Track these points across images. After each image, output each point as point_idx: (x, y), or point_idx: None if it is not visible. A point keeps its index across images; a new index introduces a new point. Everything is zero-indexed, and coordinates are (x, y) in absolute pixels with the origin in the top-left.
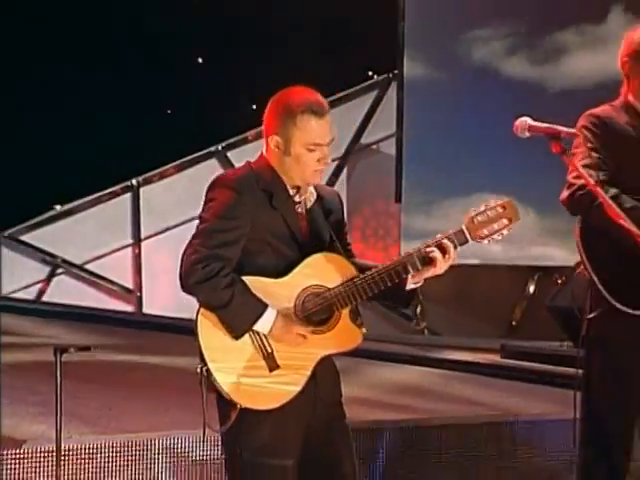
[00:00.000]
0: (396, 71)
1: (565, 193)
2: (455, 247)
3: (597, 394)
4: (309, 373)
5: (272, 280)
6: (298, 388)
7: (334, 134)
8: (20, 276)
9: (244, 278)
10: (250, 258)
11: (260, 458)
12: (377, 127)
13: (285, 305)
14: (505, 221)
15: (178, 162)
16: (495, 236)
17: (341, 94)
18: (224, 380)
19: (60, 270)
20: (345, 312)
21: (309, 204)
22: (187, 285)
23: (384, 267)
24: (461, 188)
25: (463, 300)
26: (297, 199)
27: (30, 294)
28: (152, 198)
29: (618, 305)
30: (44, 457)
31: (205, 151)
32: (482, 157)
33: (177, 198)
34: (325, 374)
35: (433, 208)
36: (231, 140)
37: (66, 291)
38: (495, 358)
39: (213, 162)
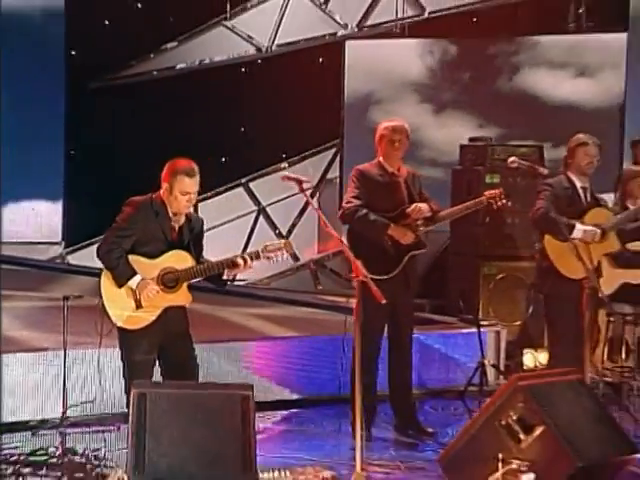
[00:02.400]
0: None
1: (340, 212)
2: (252, 260)
3: (365, 323)
4: (159, 311)
5: (148, 260)
6: (153, 317)
7: (198, 187)
8: None
9: (130, 257)
10: (141, 246)
11: (133, 355)
12: (335, 168)
13: (152, 275)
14: (284, 252)
15: (221, 188)
16: (277, 259)
17: (316, 149)
18: (111, 312)
19: None
20: (185, 284)
21: (181, 223)
22: (98, 254)
23: (210, 264)
24: None
25: None
26: (173, 219)
27: None
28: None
29: (369, 274)
30: (56, 357)
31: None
32: None
33: (213, 214)
34: (174, 313)
35: None
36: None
37: None
38: None
39: (240, 190)
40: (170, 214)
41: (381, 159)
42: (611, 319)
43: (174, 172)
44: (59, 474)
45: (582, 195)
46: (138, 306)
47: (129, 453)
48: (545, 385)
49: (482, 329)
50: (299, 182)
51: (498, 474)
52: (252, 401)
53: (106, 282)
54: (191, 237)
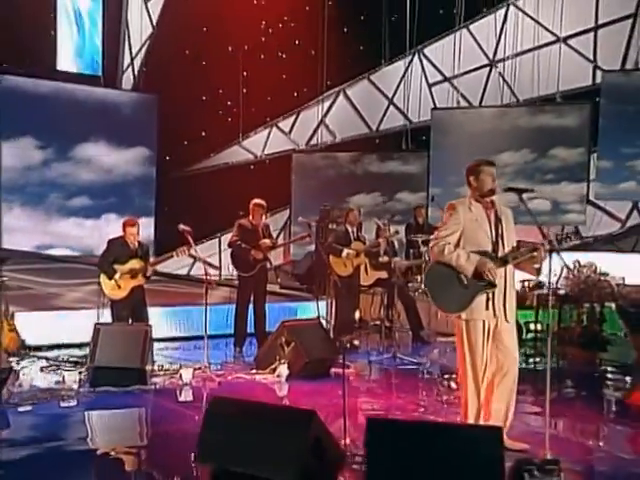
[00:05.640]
0: None
1: (228, 242)
2: (167, 259)
3: (241, 297)
4: (129, 290)
5: (121, 265)
6: (125, 293)
7: (138, 229)
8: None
9: (114, 265)
10: (118, 259)
11: (117, 312)
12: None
13: (125, 272)
14: (185, 252)
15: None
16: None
17: (282, 207)
18: (106, 291)
19: None
20: (140, 274)
21: (136, 246)
22: (97, 265)
23: (150, 263)
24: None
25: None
26: (131, 246)
27: None
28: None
29: (239, 272)
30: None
31: None
32: None
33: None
34: (137, 289)
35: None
36: None
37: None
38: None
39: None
40: (129, 244)
41: (251, 218)
42: (382, 295)
43: (124, 226)
44: (75, 367)
45: (351, 235)
46: (119, 287)
47: (88, 356)
48: (298, 325)
49: (322, 302)
50: (186, 231)
51: (276, 364)
52: (150, 333)
53: (103, 277)
54: (142, 252)
